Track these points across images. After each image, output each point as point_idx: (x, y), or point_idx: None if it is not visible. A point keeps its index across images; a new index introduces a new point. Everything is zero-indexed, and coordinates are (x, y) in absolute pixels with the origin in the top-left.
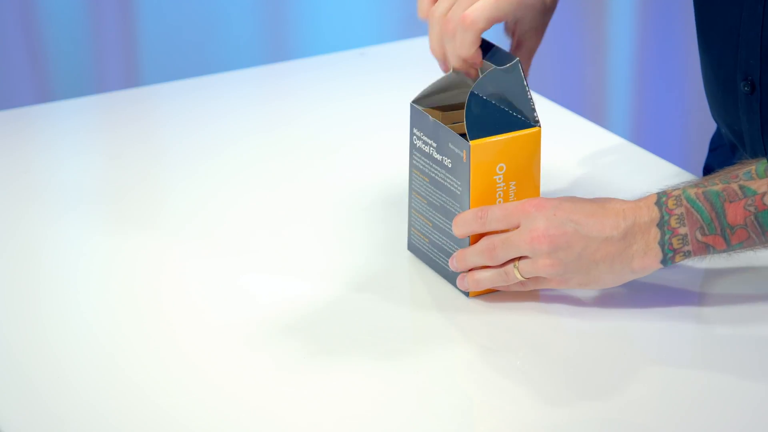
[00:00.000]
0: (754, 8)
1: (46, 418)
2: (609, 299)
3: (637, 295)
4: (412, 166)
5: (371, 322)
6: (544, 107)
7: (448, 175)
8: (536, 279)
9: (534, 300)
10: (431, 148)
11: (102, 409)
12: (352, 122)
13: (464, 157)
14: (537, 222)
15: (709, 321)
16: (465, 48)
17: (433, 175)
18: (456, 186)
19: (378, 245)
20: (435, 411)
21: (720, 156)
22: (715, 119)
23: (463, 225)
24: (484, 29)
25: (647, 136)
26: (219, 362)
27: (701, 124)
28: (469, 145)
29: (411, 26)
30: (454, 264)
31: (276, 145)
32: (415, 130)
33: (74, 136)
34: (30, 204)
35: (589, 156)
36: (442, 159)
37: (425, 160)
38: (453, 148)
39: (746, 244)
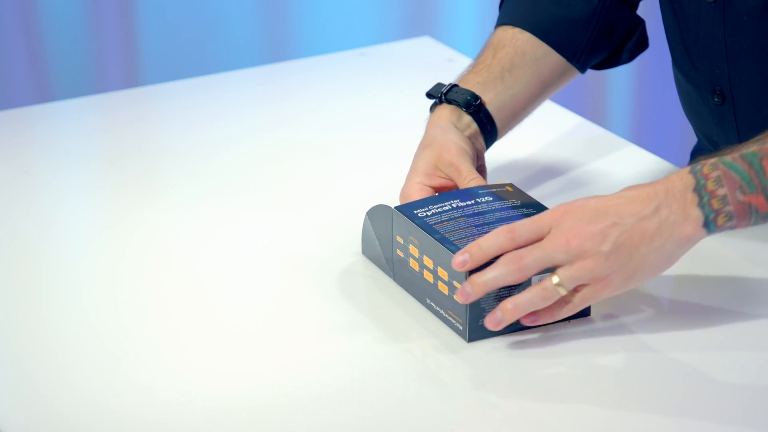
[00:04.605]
0: (713, 17)
1: (46, 417)
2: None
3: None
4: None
5: (371, 321)
6: (544, 107)
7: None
8: (580, 293)
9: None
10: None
11: (103, 408)
12: (351, 122)
13: None
14: (567, 223)
15: (732, 365)
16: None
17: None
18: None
19: None
20: (439, 412)
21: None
22: (693, 128)
23: (490, 244)
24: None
25: (647, 136)
26: (220, 362)
27: None
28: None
29: (411, 26)
30: (466, 291)
31: (276, 144)
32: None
33: (74, 137)
34: (30, 204)
35: (589, 156)
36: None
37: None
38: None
39: None
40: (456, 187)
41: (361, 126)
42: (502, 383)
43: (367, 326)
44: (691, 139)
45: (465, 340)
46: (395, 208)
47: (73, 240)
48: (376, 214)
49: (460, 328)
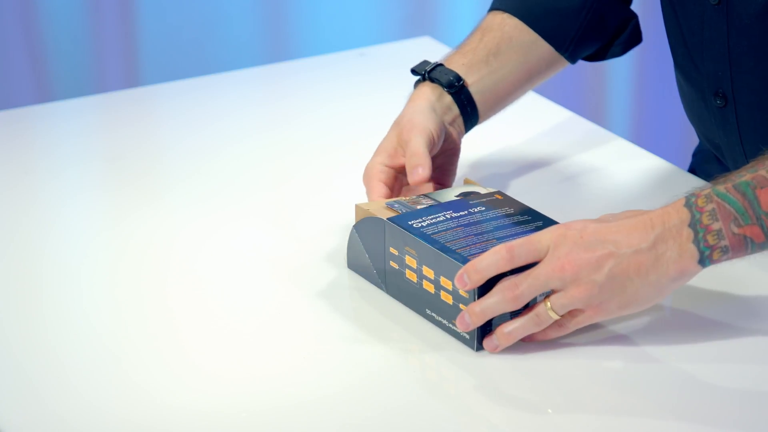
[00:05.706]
0: (717, 19)
1: (46, 418)
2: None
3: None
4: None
5: (372, 321)
6: (544, 107)
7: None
8: (574, 317)
9: None
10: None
11: (102, 409)
12: (351, 122)
13: None
14: (563, 248)
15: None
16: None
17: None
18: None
19: None
20: (446, 419)
21: (703, 159)
22: (695, 130)
23: (487, 265)
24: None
25: (647, 136)
26: (220, 364)
27: None
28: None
29: (411, 26)
30: (465, 321)
31: (276, 144)
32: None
33: (74, 137)
34: (30, 204)
35: (589, 156)
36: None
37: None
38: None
39: None
40: None
41: (361, 126)
42: (511, 392)
43: (369, 327)
44: (692, 140)
45: (473, 349)
46: (388, 219)
47: (74, 240)
48: (365, 227)
49: (467, 337)
